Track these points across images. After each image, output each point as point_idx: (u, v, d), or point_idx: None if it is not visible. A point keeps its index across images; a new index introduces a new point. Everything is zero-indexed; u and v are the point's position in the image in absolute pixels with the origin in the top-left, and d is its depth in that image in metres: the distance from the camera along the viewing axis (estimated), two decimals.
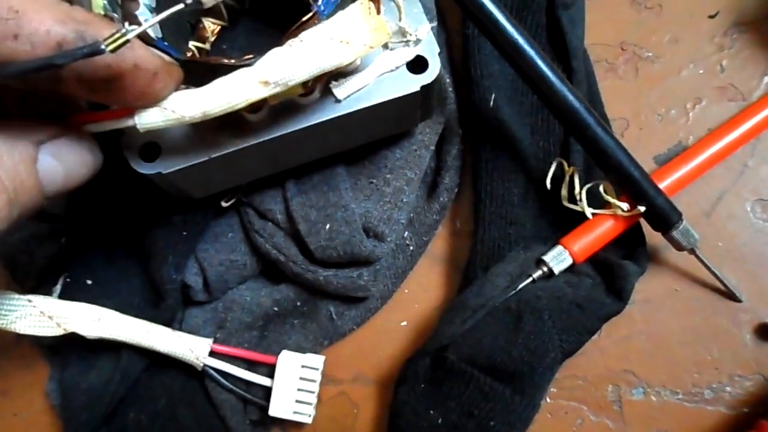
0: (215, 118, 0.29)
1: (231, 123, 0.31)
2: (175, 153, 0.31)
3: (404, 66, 0.31)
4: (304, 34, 0.27)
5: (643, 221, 0.38)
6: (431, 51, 0.32)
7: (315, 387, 0.38)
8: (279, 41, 0.27)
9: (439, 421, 0.35)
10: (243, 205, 0.39)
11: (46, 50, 0.22)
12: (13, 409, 0.41)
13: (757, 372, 0.39)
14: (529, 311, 0.35)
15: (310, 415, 0.38)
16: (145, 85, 0.25)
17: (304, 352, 0.39)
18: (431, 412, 0.35)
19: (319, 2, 0.29)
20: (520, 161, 0.40)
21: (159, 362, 0.39)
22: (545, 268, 0.37)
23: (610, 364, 0.40)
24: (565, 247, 0.37)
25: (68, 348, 0.39)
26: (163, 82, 0.26)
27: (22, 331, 0.34)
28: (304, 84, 0.29)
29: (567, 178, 0.37)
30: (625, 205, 0.36)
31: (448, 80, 0.41)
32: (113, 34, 0.22)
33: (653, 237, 0.39)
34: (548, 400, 0.39)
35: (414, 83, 0.31)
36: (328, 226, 0.37)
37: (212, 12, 0.38)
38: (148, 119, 0.26)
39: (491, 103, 0.40)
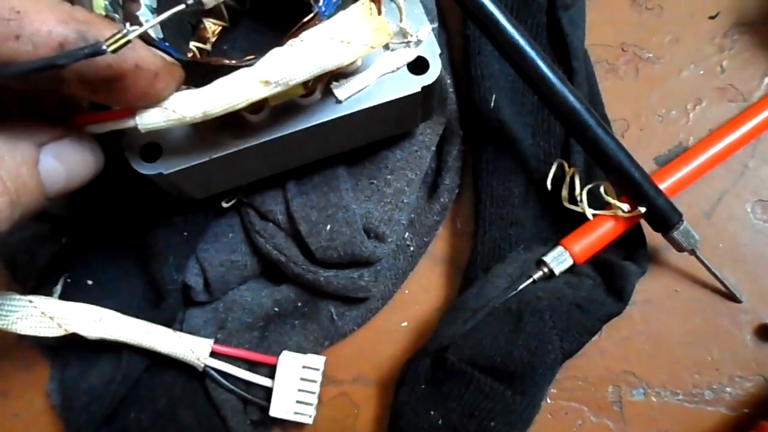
0: (216, 118, 0.29)
1: (232, 123, 0.31)
2: (176, 153, 0.31)
3: (405, 67, 0.31)
4: (305, 34, 0.27)
5: (643, 222, 0.38)
6: (432, 52, 0.32)
7: (316, 387, 0.38)
8: (280, 42, 0.27)
9: (440, 421, 0.35)
10: (244, 205, 0.39)
11: (47, 51, 0.22)
12: (13, 410, 0.42)
13: (758, 373, 0.39)
14: (529, 312, 0.35)
15: (310, 416, 0.38)
16: (147, 85, 0.25)
17: (304, 353, 0.39)
18: (432, 412, 0.35)
19: (320, 3, 0.29)
20: (520, 162, 0.40)
21: (160, 363, 0.39)
22: (546, 269, 0.37)
23: (611, 364, 0.40)
24: (565, 248, 0.37)
25: (69, 348, 0.39)
26: (165, 82, 0.26)
27: (23, 332, 0.34)
28: (305, 85, 0.29)
29: (567, 179, 0.38)
30: (625, 206, 0.36)
31: (448, 81, 0.41)
32: (114, 35, 0.22)
33: (654, 238, 0.39)
34: (548, 400, 0.39)
35: (415, 84, 0.31)
36: (328, 226, 0.37)
37: (213, 12, 0.38)
38: (149, 119, 0.26)
39: (492, 103, 0.40)
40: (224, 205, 0.39)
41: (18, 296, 0.34)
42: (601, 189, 0.37)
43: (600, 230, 0.37)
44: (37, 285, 0.40)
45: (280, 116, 0.31)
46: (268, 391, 0.38)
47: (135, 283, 0.39)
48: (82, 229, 0.40)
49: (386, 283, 0.41)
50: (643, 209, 0.36)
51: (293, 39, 0.27)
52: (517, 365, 0.34)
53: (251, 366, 0.39)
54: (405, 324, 0.41)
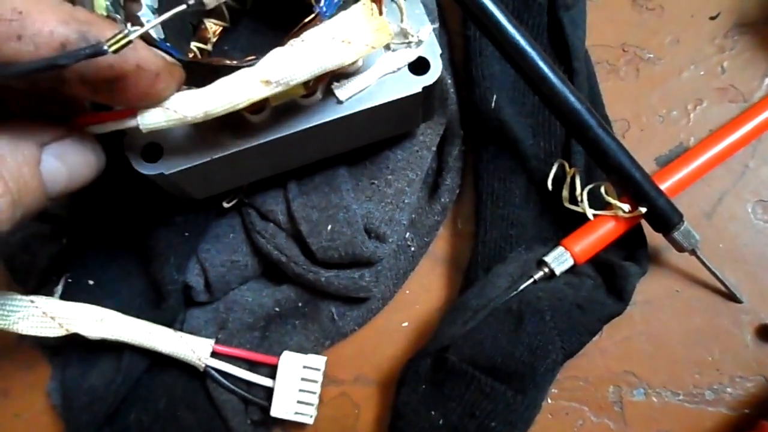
0: (217, 118, 0.29)
1: (233, 124, 0.31)
2: (177, 154, 0.31)
3: (406, 67, 0.32)
4: (306, 34, 0.27)
5: (644, 222, 0.38)
6: (433, 52, 0.32)
7: (316, 387, 0.38)
8: (281, 42, 0.27)
9: (441, 421, 0.35)
10: (245, 205, 0.39)
11: (49, 51, 0.22)
12: (14, 410, 0.42)
13: (758, 373, 0.39)
14: (530, 312, 0.35)
15: (311, 416, 0.38)
16: (148, 85, 0.25)
17: (305, 353, 0.39)
18: (432, 412, 0.35)
19: (321, 3, 0.29)
20: (521, 162, 0.40)
21: (160, 363, 0.39)
22: (546, 269, 0.37)
23: (611, 365, 0.40)
24: (566, 248, 0.37)
25: (69, 348, 0.39)
26: (165, 82, 0.26)
27: (24, 332, 0.34)
28: (306, 85, 0.29)
29: (568, 179, 0.38)
30: (626, 206, 0.36)
31: (449, 81, 0.41)
32: (116, 35, 0.22)
33: (654, 238, 0.39)
34: (549, 400, 0.39)
35: (416, 84, 0.31)
36: (329, 227, 0.37)
37: (214, 13, 0.38)
38: (150, 120, 0.27)
39: (492, 104, 0.40)
40: (225, 205, 0.39)
41: (19, 296, 0.34)
42: (602, 189, 0.37)
43: (601, 230, 0.37)
44: (37, 285, 0.40)
45: (281, 116, 0.31)
46: (268, 391, 0.38)
47: (136, 283, 0.40)
48: (83, 230, 0.40)
49: (387, 283, 0.41)
50: (643, 209, 0.36)
51: (294, 39, 0.27)
52: (518, 365, 0.34)
53: (252, 366, 0.39)
54: (406, 324, 0.41)
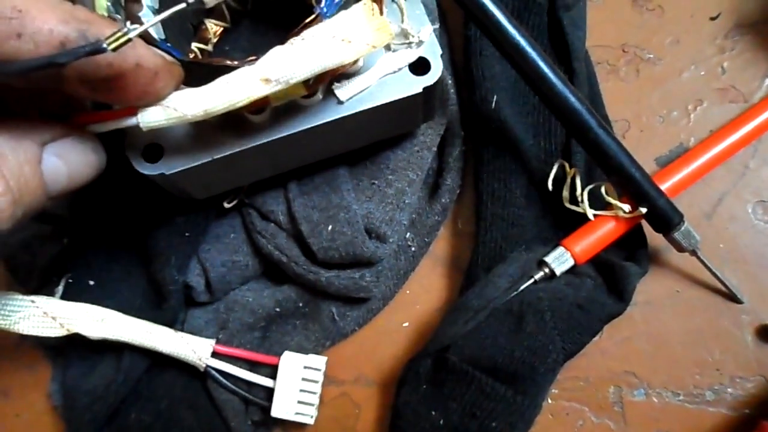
0: (218, 118, 0.29)
1: (233, 124, 0.31)
2: (177, 154, 0.31)
3: (406, 67, 0.32)
4: (306, 33, 0.27)
5: (644, 223, 0.38)
6: (433, 52, 0.32)
7: (317, 388, 0.38)
8: (281, 43, 0.27)
9: (441, 422, 0.35)
10: (245, 206, 0.39)
11: (49, 49, 0.22)
12: (15, 410, 0.42)
13: (759, 373, 0.39)
14: (530, 312, 0.35)
15: (312, 416, 0.38)
16: (147, 83, 0.25)
17: (306, 353, 0.39)
18: (433, 412, 0.35)
19: (322, 4, 0.29)
20: (521, 162, 0.40)
21: (161, 363, 0.39)
22: (547, 270, 0.37)
23: (612, 365, 0.40)
24: (566, 249, 0.37)
25: (70, 349, 0.39)
26: (164, 81, 0.26)
27: (25, 332, 0.34)
28: (307, 85, 0.29)
29: (569, 180, 0.38)
30: (626, 207, 0.36)
31: (450, 82, 0.41)
32: (115, 33, 0.22)
33: (654, 238, 0.39)
34: (550, 401, 0.39)
35: (416, 85, 0.31)
36: (330, 227, 0.37)
37: (214, 13, 0.38)
38: (150, 118, 0.27)
39: (493, 104, 0.40)
40: (226, 205, 0.39)
41: (20, 296, 0.34)
42: (602, 189, 0.37)
43: (601, 231, 0.37)
44: (38, 285, 0.40)
45: (281, 117, 0.31)
46: (269, 392, 0.38)
47: (136, 283, 0.40)
48: (83, 230, 0.40)
49: (387, 283, 0.41)
50: (644, 210, 0.36)
51: (294, 37, 0.27)
52: (519, 365, 0.34)
53: (252, 366, 0.39)
54: (406, 324, 0.41)
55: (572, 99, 0.34)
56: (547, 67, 0.34)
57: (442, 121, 0.40)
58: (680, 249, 0.38)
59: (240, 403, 0.38)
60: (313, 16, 0.28)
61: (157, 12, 0.33)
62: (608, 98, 0.43)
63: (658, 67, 0.44)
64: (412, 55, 0.31)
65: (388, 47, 0.32)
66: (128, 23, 0.23)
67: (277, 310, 0.40)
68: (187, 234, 0.38)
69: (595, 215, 0.37)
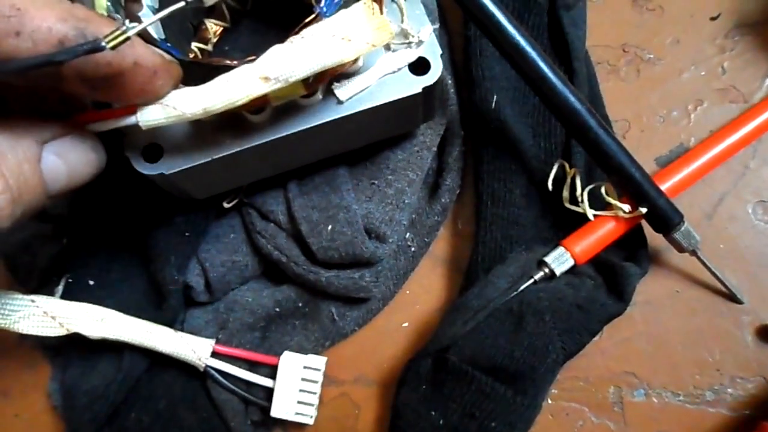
0: (218, 118, 0.29)
1: (233, 124, 0.31)
2: (177, 154, 0.31)
3: (406, 67, 0.32)
4: (306, 31, 0.27)
5: (644, 223, 0.38)
6: (433, 52, 0.32)
7: (316, 388, 0.38)
8: (281, 42, 0.27)
9: (441, 422, 0.35)
10: (245, 206, 0.39)
11: (47, 47, 0.22)
12: (14, 410, 0.41)
13: (759, 374, 0.39)
14: (530, 312, 0.35)
15: (311, 416, 0.38)
16: (145, 82, 0.25)
17: (305, 353, 0.39)
18: (432, 413, 0.35)
19: (322, 3, 0.29)
20: (521, 162, 0.40)
21: (161, 363, 0.39)
22: (546, 270, 0.37)
23: (612, 365, 0.40)
24: (566, 249, 0.37)
25: (70, 348, 0.39)
26: (163, 79, 0.26)
27: (25, 332, 0.34)
28: (307, 85, 0.29)
29: (568, 180, 0.38)
30: (626, 207, 0.36)
31: (449, 82, 0.41)
32: (114, 32, 0.22)
33: (654, 238, 0.39)
34: (549, 401, 0.39)
35: (416, 85, 0.31)
36: (330, 227, 0.37)
37: (214, 13, 0.38)
38: (149, 116, 0.27)
39: (493, 104, 0.40)
40: (225, 205, 0.39)
41: (20, 295, 0.34)
42: (602, 190, 0.37)
43: (601, 231, 0.37)
44: (38, 285, 0.40)
45: (281, 117, 0.31)
46: (269, 392, 0.38)
47: (136, 283, 0.40)
48: (83, 230, 0.40)
49: (387, 283, 0.41)
50: (644, 210, 0.36)
51: (294, 36, 0.27)
52: (518, 366, 0.34)
53: (252, 366, 0.39)
54: (406, 324, 0.41)
55: (572, 99, 0.34)
56: (547, 67, 0.34)
57: (442, 121, 0.40)
58: (680, 249, 0.38)
59: (239, 403, 0.38)
60: (313, 16, 0.28)
61: (156, 12, 0.33)
62: (608, 98, 0.43)
63: (658, 67, 0.44)
64: (412, 55, 0.31)
65: (387, 47, 0.32)
66: (127, 22, 0.23)
67: (277, 310, 0.40)
68: (186, 234, 0.38)
69: (595, 215, 0.37)
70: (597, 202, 0.37)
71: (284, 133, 0.31)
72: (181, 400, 0.39)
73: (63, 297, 0.38)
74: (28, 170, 0.25)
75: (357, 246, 0.37)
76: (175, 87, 0.27)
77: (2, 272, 0.42)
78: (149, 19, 0.24)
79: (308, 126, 0.31)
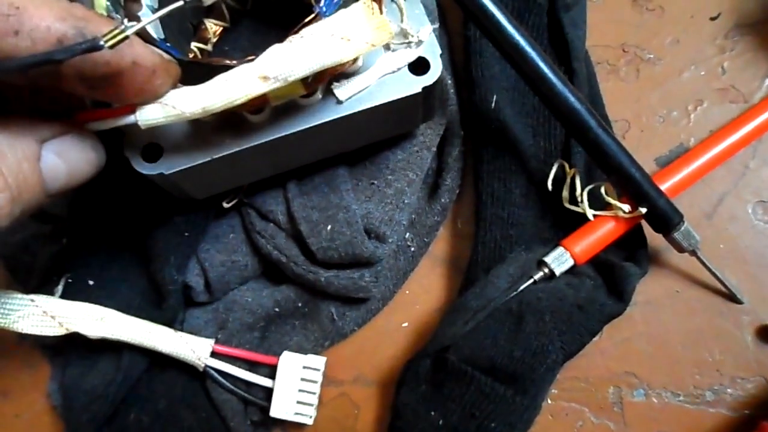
0: (217, 118, 0.29)
1: (233, 124, 0.31)
2: (177, 154, 0.31)
3: (406, 67, 0.32)
4: (305, 31, 0.27)
5: (644, 223, 0.38)
6: (433, 52, 0.32)
7: (316, 388, 0.38)
8: (280, 42, 0.27)
9: (440, 422, 0.35)
10: (244, 206, 0.39)
11: (46, 46, 0.22)
12: (14, 410, 0.41)
13: (759, 374, 0.38)
14: (530, 312, 0.35)
15: (311, 416, 0.38)
16: (144, 81, 0.25)
17: (305, 353, 0.39)
18: (432, 413, 0.35)
19: (321, 3, 0.29)
20: (521, 162, 0.40)
21: (160, 362, 0.39)
22: (546, 270, 0.37)
23: (611, 365, 0.39)
24: (566, 249, 0.37)
25: (70, 348, 0.39)
26: (162, 78, 0.26)
27: (24, 331, 0.34)
28: (306, 84, 0.29)
29: (568, 180, 0.38)
30: (626, 207, 0.36)
31: (449, 81, 0.41)
32: (112, 31, 0.22)
33: (654, 239, 0.39)
34: (549, 401, 0.39)
35: (415, 84, 0.31)
36: (329, 227, 0.37)
37: (214, 13, 0.38)
38: (148, 115, 0.27)
39: (492, 104, 0.40)
40: (225, 205, 0.39)
41: (19, 295, 0.34)
42: (602, 190, 0.37)
43: (601, 231, 0.37)
44: (38, 285, 0.40)
45: (280, 116, 0.31)
46: (268, 392, 0.38)
47: (136, 283, 0.39)
48: (83, 230, 0.40)
49: (387, 283, 0.41)
50: (643, 210, 0.36)
51: (293, 36, 0.27)
52: (518, 366, 0.34)
53: (252, 366, 0.39)
54: (405, 324, 0.41)
55: (572, 99, 0.34)
56: (546, 67, 0.34)
57: (442, 121, 0.40)
58: (680, 249, 0.38)
59: (239, 403, 0.38)
60: (312, 15, 0.28)
61: (156, 12, 0.33)
62: (608, 98, 0.43)
63: (658, 67, 0.44)
64: (412, 54, 0.31)
65: (387, 47, 0.32)
66: (125, 21, 0.23)
67: (276, 310, 0.40)
68: (186, 234, 0.38)
69: (594, 215, 0.37)
70: (597, 202, 0.37)
71: (284, 133, 0.31)
72: (180, 400, 0.39)
73: (63, 297, 0.38)
74: (28, 169, 0.25)
75: (356, 246, 0.37)
76: (174, 86, 0.27)
77: (2, 272, 0.42)
78: (147, 18, 0.24)
79: (308, 126, 0.31)
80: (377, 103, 0.31)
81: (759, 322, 0.39)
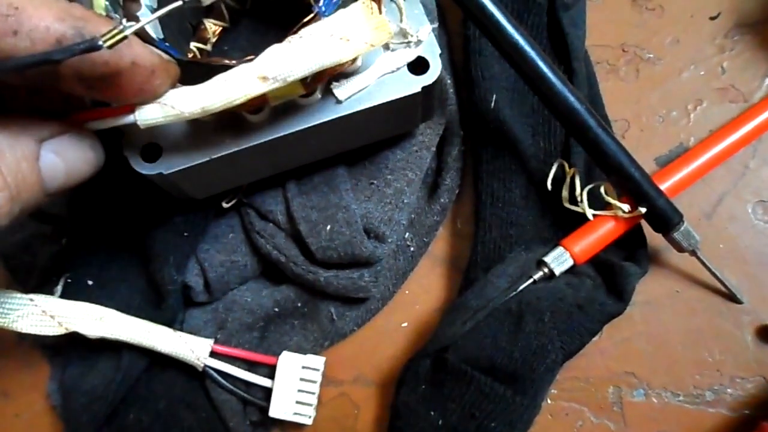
0: (216, 118, 0.29)
1: (232, 124, 0.31)
2: (176, 153, 0.31)
3: (405, 67, 0.32)
4: (304, 31, 0.27)
5: (644, 223, 0.38)
6: (432, 52, 0.32)
7: (315, 388, 0.38)
8: (280, 42, 0.27)
9: (440, 422, 0.35)
10: (244, 205, 0.39)
11: (45, 46, 0.22)
12: (14, 410, 0.41)
13: (759, 374, 0.38)
14: (529, 312, 0.35)
15: (310, 417, 0.38)
16: (143, 81, 0.25)
17: (304, 353, 0.39)
18: (432, 413, 0.35)
19: (320, 3, 0.29)
20: (521, 162, 0.40)
21: (160, 362, 0.38)
22: (546, 270, 0.37)
23: (611, 365, 0.39)
24: (565, 249, 0.37)
25: (69, 348, 0.39)
26: (161, 79, 0.26)
27: (23, 330, 0.34)
28: (305, 84, 0.29)
29: (568, 179, 0.37)
30: (626, 207, 0.36)
31: (449, 81, 0.41)
32: (111, 31, 0.22)
33: (654, 238, 0.39)
34: (549, 401, 0.39)
35: (415, 84, 0.31)
36: (329, 227, 0.37)
37: (213, 13, 0.38)
38: (147, 115, 0.27)
39: (492, 104, 0.40)
40: (224, 205, 0.39)
41: (19, 294, 0.34)
42: (602, 189, 0.37)
43: (600, 231, 0.37)
44: (37, 285, 0.40)
45: (280, 116, 0.31)
46: (267, 392, 0.38)
47: (135, 283, 0.39)
48: (82, 230, 0.40)
49: (386, 283, 0.41)
50: (643, 210, 0.36)
51: (292, 36, 0.27)
52: (518, 366, 0.34)
53: (251, 366, 0.39)
54: (405, 324, 0.41)
55: (571, 99, 0.34)
56: (546, 66, 0.34)
57: (441, 120, 0.40)
58: (680, 249, 0.38)
59: (238, 403, 0.38)
60: (311, 15, 0.28)
61: (155, 12, 0.33)
62: (608, 98, 0.42)
63: (658, 67, 0.44)
64: (411, 54, 0.31)
65: (386, 47, 0.32)
66: (124, 21, 0.23)
67: (276, 310, 0.40)
68: (185, 234, 0.38)
69: (594, 215, 0.37)
70: (596, 201, 0.37)
71: (283, 133, 0.31)
72: (179, 399, 0.39)
73: (62, 296, 0.38)
74: (27, 168, 0.25)
75: (356, 246, 0.37)
76: (173, 86, 0.27)
77: (2, 272, 0.42)
78: (146, 18, 0.24)
79: (307, 126, 0.31)
80: (376, 103, 0.31)
81: (759, 322, 0.39)
